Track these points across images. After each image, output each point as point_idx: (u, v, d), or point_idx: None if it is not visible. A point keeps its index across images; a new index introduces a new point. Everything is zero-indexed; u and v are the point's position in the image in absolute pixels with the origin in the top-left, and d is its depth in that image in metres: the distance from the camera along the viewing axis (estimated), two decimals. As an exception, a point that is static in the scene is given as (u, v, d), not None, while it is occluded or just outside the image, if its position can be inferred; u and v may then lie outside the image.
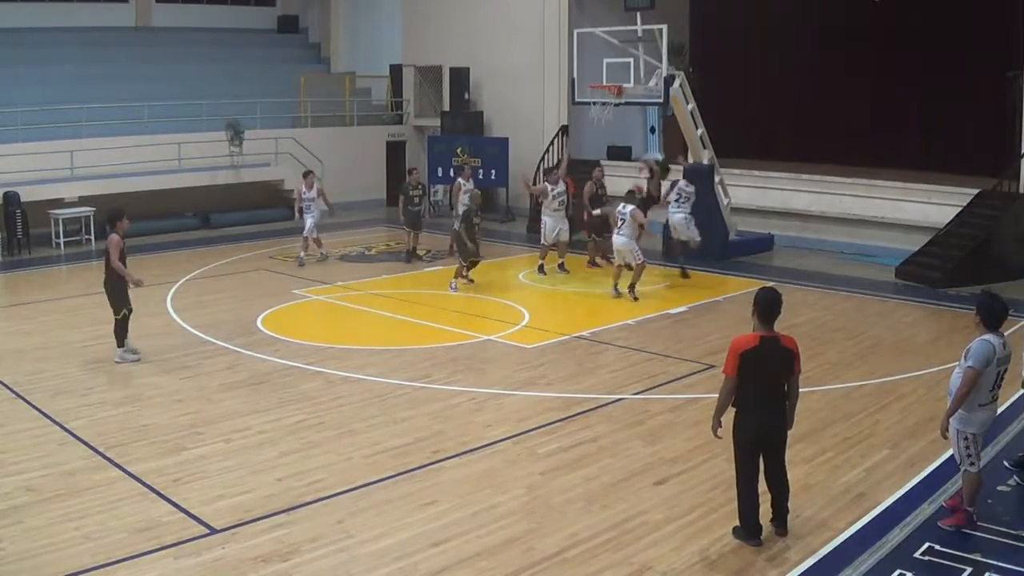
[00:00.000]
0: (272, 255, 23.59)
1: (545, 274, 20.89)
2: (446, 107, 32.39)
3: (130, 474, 10.26)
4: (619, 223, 18.61)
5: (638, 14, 21.88)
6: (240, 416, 12.25)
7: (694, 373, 14.04)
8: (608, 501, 9.55)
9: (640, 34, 21.93)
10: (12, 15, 31.16)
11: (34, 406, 12.58)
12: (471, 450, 11.06)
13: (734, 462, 8.68)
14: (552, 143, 29.03)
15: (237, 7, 37.54)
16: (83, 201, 25.83)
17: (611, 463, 10.57)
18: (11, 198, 24.45)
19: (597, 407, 12.51)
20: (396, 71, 34.57)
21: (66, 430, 11.66)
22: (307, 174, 22.96)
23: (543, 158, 28.70)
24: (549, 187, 21.07)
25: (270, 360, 14.70)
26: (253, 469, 10.47)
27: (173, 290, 19.69)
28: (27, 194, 24.63)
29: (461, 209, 21.02)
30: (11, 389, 13.29)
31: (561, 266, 21.29)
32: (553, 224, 20.82)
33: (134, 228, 26.39)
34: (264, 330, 16.62)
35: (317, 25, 38.73)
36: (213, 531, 8.95)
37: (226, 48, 34.74)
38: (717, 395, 8.61)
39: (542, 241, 21.14)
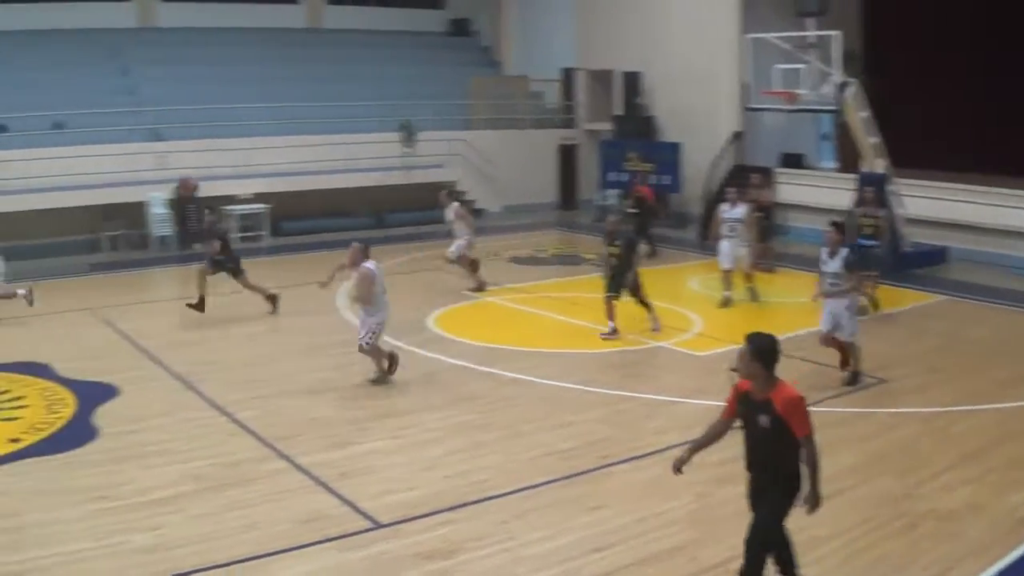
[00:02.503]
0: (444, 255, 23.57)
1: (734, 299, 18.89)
2: (618, 111, 32.03)
3: (297, 466, 10.28)
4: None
5: (810, 20, 21.18)
6: (408, 413, 12.20)
7: (865, 388, 13.35)
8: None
9: (812, 40, 21.23)
10: (192, 15, 32.24)
11: (204, 396, 12.77)
12: (640, 456, 10.72)
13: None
14: (726, 149, 28.34)
15: (408, 9, 37.83)
16: (258, 198, 26.43)
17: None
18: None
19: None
20: (568, 75, 34.39)
21: (235, 420, 11.78)
22: (447, 193, 21.67)
23: (717, 164, 28.03)
24: (723, 208, 19.13)
25: (440, 359, 14.65)
26: (420, 466, 10.36)
27: (344, 288, 19.83)
28: (203, 190, 25.30)
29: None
30: (182, 379, 13.53)
31: (751, 291, 18.96)
32: (729, 248, 18.77)
33: (310, 226, 27.29)
34: (435, 329, 16.60)
35: (488, 28, 38.82)
36: (378, 526, 8.86)
37: (397, 50, 35.07)
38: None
39: (721, 266, 19.02)
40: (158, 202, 25.42)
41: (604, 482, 10.02)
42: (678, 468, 7.52)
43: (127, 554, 8.32)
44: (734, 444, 7.15)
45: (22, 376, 13.85)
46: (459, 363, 14.43)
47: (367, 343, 13.29)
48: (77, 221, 24.96)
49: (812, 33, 21.12)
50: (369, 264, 13.30)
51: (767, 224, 20.40)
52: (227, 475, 10.06)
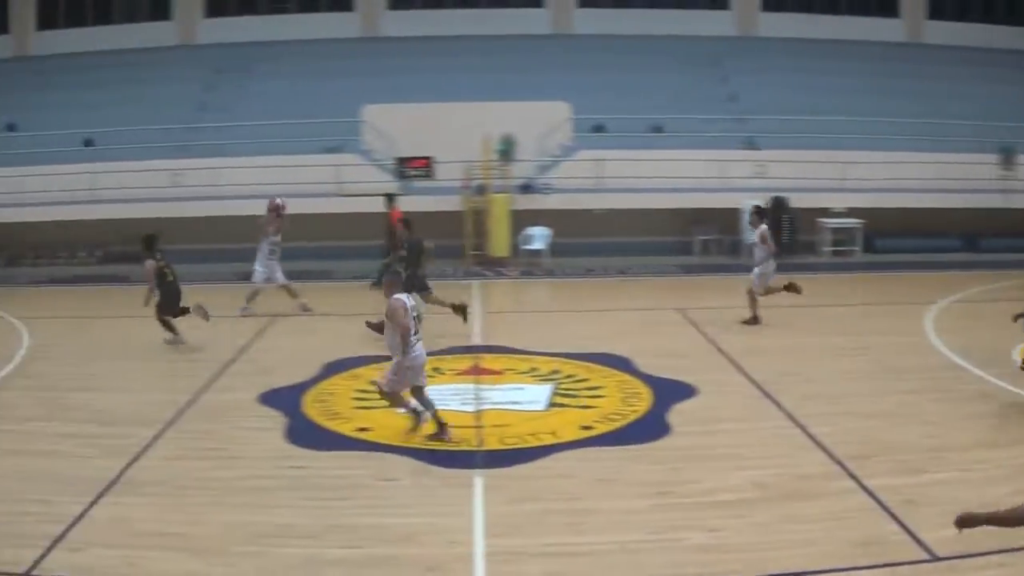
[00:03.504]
0: None
1: None
2: None
3: (864, 488, 9.63)
4: None
5: None
6: (983, 447, 11.06)
7: None
8: None
9: None
10: (792, 25, 32.07)
11: (780, 406, 12.45)
12: None
13: None
14: None
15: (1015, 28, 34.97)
16: (851, 213, 25.70)
17: None
18: (780, 203, 25.05)
19: None
20: None
21: (808, 434, 11.33)
22: None
23: None
24: None
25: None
26: (984, 502, 9.30)
27: (934, 310, 18.68)
28: (796, 201, 24.99)
29: None
30: (761, 387, 13.30)
31: None
32: None
33: (902, 245, 26.12)
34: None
35: None
36: (934, 558, 8.07)
37: (1002, 69, 32.43)
38: None
39: None
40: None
41: None
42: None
43: (682, 551, 8.25)
44: None
45: (602, 367, 14.37)
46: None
47: (384, 386, 11.51)
48: (668, 223, 25.72)
49: None
50: (404, 297, 11.59)
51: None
52: (792, 487, 9.67)
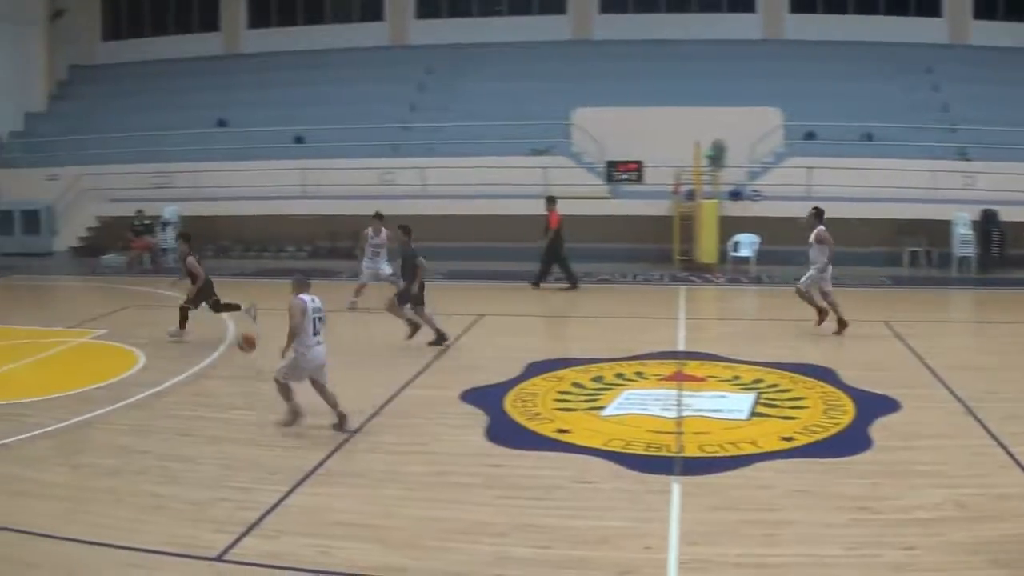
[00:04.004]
0: None
1: None
2: None
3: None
4: None
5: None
6: None
7: None
8: None
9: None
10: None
11: (983, 424, 12.07)
12: None
13: None
14: None
15: None
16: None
17: None
18: (990, 216, 24.30)
19: None
20: None
21: (1009, 454, 10.96)
22: None
23: None
24: None
25: None
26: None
27: None
28: (1007, 214, 24.12)
29: None
30: (965, 404, 12.92)
31: None
32: None
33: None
34: None
35: None
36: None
37: None
38: None
39: None
40: (963, 222, 24.70)
41: None
42: None
43: (877, 568, 8.09)
44: None
45: (806, 378, 14.17)
46: None
47: (279, 377, 12.19)
48: (875, 233, 25.13)
49: None
50: (304, 298, 12.20)
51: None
52: (991, 508, 9.34)
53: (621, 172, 26.08)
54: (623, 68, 30.29)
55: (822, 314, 17.69)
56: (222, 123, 31.66)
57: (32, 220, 31.01)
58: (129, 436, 12.29)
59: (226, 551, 8.64)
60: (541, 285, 22.40)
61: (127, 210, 28.95)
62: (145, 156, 30.34)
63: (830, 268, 17.74)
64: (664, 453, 11.04)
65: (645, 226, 23.86)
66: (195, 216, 27.95)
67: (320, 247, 28.29)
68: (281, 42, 35.73)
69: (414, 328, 17.00)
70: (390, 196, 27.05)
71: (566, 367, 15.06)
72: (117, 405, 13.58)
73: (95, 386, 14.46)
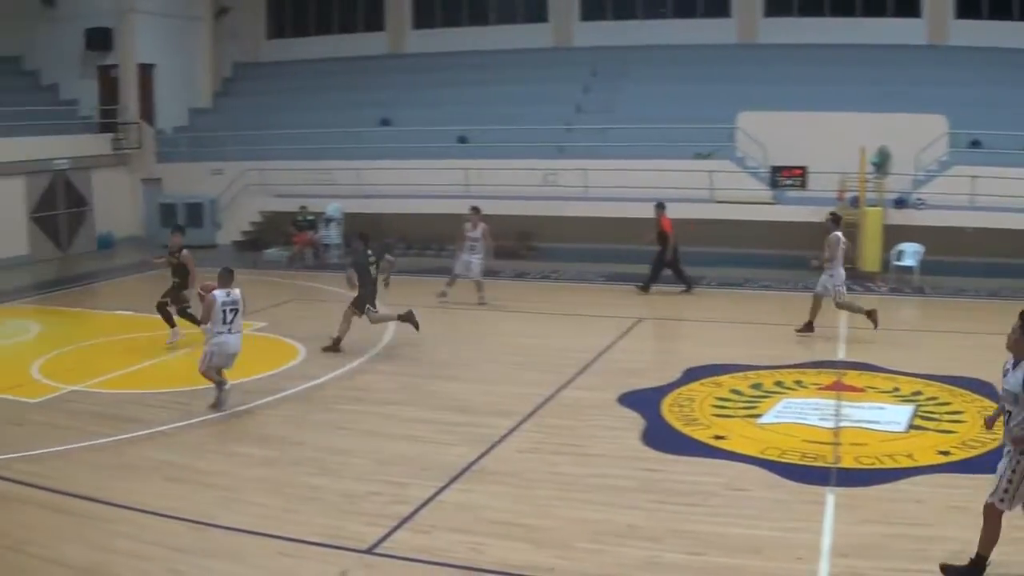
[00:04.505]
0: None
1: None
2: None
3: None
4: None
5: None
6: None
7: None
8: None
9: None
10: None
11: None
12: None
13: None
14: None
15: None
16: None
17: None
18: None
19: None
20: None
21: None
22: None
23: None
24: None
25: None
26: None
27: None
28: None
29: None
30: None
31: None
32: None
33: None
34: None
35: None
36: None
37: None
38: None
39: None
40: None
41: None
42: None
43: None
44: None
45: (965, 391, 14.01)
46: None
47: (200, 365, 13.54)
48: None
49: None
50: (218, 292, 13.45)
51: None
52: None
53: (785, 177, 25.95)
54: (788, 72, 30.01)
55: (872, 315, 17.83)
56: (385, 122, 32.42)
57: (195, 213, 32.09)
58: (286, 427, 12.86)
59: (377, 544, 8.98)
60: (651, 289, 22.56)
61: (290, 205, 29.91)
62: (308, 153, 31.33)
63: (842, 273, 18.01)
64: (820, 463, 11.14)
65: (807, 232, 23.57)
66: (357, 213, 28.77)
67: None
68: (445, 43, 36.28)
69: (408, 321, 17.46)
70: (552, 197, 27.51)
71: (725, 373, 15.22)
72: (275, 396, 14.20)
73: (254, 377, 15.05)
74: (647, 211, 22.88)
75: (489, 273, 22.17)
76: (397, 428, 12.71)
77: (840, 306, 18.15)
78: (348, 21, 38.83)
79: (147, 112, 34.66)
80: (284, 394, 14.37)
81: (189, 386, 14.42)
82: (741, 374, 15.08)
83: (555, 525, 9.44)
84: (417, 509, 9.83)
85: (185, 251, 17.76)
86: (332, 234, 29.27)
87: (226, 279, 13.65)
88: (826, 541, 9.03)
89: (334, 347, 16.91)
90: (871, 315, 17.80)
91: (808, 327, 17.95)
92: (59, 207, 31.28)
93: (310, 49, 38.12)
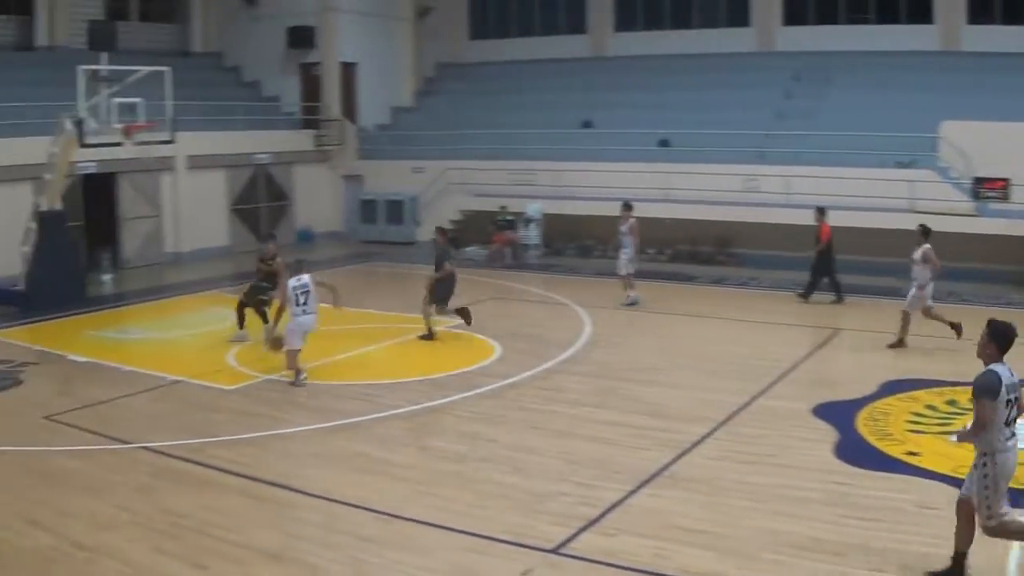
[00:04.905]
0: None
1: None
2: None
3: None
4: None
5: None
6: None
7: None
8: None
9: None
10: None
11: None
12: None
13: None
14: None
15: None
16: None
17: None
18: None
19: None
20: None
21: None
22: None
23: None
24: None
25: None
26: None
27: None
28: None
29: None
30: None
31: None
32: None
33: None
34: None
35: None
36: None
37: None
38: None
39: None
40: None
41: None
42: None
43: None
44: None
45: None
46: None
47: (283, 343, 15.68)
48: None
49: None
50: (292, 280, 15.47)
51: None
52: None
53: (987, 189, 25.17)
54: (993, 81, 29.00)
55: (956, 328, 17.37)
56: (587, 124, 32.80)
57: (396, 210, 33.47)
58: (478, 424, 13.31)
59: (563, 544, 9.26)
60: (810, 298, 22.30)
61: (489, 205, 30.78)
62: (508, 153, 32.01)
63: (931, 286, 17.73)
64: (1014, 484, 10.94)
65: (1009, 246, 22.86)
66: (557, 214, 29.28)
67: (680, 251, 28.88)
68: (647, 46, 36.55)
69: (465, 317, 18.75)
70: (752, 203, 27.42)
71: (921, 388, 15.07)
72: (470, 393, 14.72)
73: (450, 373, 15.71)
74: (847, 219, 22.57)
75: (685, 278, 22.20)
76: (589, 430, 12.98)
77: (930, 316, 18.01)
78: (550, 23, 39.54)
79: (349, 110, 36.14)
80: (479, 391, 14.84)
81: (382, 379, 15.12)
82: (937, 389, 14.88)
83: (741, 534, 9.54)
84: (604, 512, 10.06)
85: (279, 259, 18.18)
86: (532, 234, 29.84)
87: (295, 268, 15.62)
88: (1012, 563, 8.96)
89: (464, 315, 18.71)
90: (955, 326, 17.54)
91: (900, 343, 17.81)
92: (260, 200, 33.04)
93: (512, 50, 39.00)
